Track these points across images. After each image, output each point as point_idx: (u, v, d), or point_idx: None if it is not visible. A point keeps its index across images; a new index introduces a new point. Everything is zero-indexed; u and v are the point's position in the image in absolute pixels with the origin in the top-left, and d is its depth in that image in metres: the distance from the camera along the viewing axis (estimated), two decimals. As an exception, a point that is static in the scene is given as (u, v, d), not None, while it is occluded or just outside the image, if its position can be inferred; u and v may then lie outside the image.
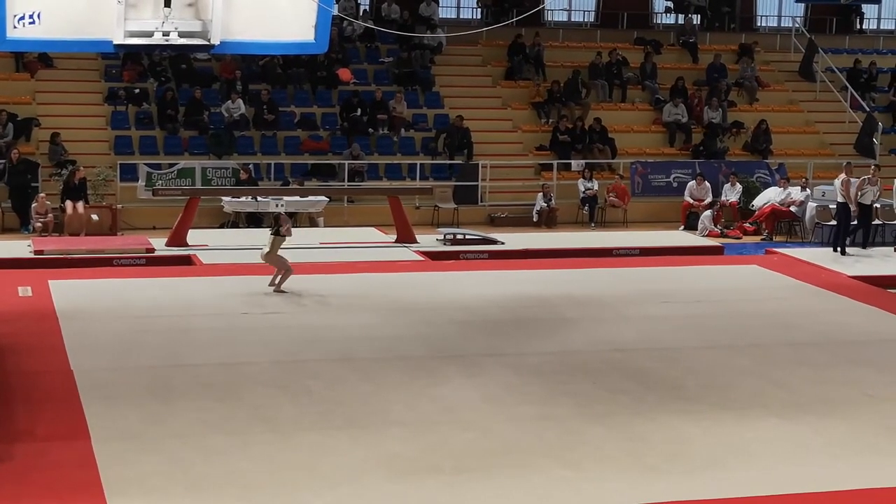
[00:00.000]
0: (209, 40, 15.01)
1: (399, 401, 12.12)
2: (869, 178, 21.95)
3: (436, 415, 11.73)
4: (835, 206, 24.93)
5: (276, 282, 17.23)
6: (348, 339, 14.60)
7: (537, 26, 31.99)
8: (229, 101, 27.20)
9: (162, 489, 9.51)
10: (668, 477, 10.14)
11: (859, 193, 21.69)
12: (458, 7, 34.03)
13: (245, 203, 24.04)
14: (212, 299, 16.74)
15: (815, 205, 25.24)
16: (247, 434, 10.92)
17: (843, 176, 21.74)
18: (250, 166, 25.44)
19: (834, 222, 24.78)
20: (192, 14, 14.89)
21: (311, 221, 24.64)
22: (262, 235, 22.12)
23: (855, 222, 22.15)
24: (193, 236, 21.01)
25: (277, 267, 17.32)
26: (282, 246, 17.30)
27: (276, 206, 24.04)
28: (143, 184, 24.83)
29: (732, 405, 12.23)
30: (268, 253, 17.24)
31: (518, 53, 30.62)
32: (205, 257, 19.92)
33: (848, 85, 31.74)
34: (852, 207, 21.71)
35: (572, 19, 34.92)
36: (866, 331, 15.90)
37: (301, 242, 21.28)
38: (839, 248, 21.63)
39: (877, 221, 23.44)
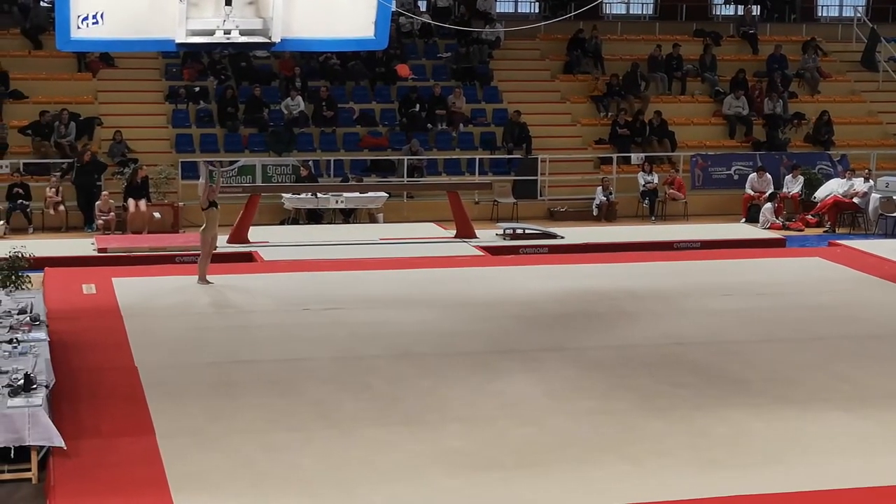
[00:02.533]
0: (270, 38, 15.05)
1: (458, 396, 12.15)
2: None
3: (495, 410, 11.74)
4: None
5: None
6: (407, 335, 14.65)
7: (595, 20, 31.84)
8: (288, 99, 27.31)
9: (225, 485, 9.61)
10: (728, 471, 10.10)
11: None
12: (516, 1, 33.96)
13: (305, 200, 24.16)
14: (272, 296, 16.85)
15: (879, 196, 24.97)
16: (307, 430, 11.00)
17: None
18: (310, 163, 25.54)
19: (897, 213, 24.61)
20: (253, 12, 14.94)
21: (371, 217, 24.72)
22: (322, 232, 22.36)
23: None
24: (254, 233, 21.16)
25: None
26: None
27: (336, 202, 24.18)
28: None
29: (794, 399, 12.15)
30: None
31: (576, 47, 30.52)
32: (266, 254, 20.06)
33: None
34: None
35: (631, 12, 34.72)
36: (931, 323, 15.73)
37: (361, 238, 21.42)
38: None
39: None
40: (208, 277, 17.55)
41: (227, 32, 14.94)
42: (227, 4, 14.81)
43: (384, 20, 15.33)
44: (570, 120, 29.21)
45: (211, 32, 14.99)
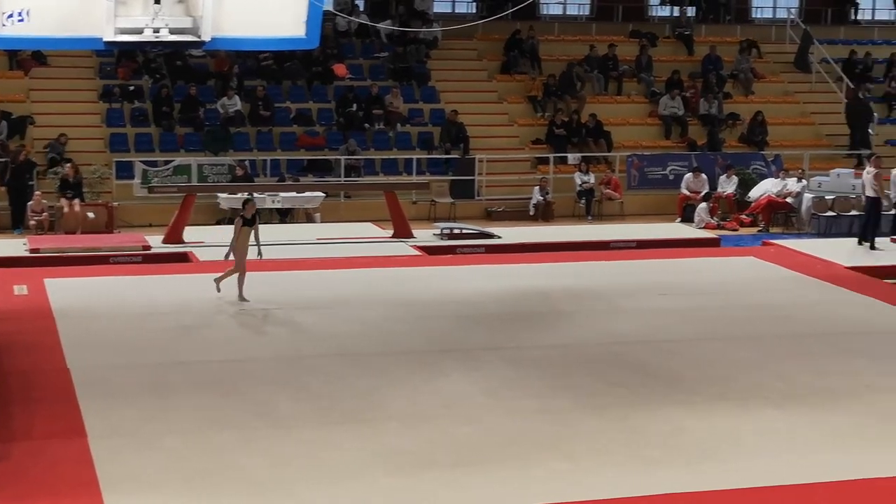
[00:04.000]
0: (200, 37, 14.94)
1: (398, 395, 12.13)
2: None
3: (435, 409, 11.73)
4: (832, 198, 25.04)
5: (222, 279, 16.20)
6: (346, 335, 14.60)
7: (532, 20, 31.98)
8: (225, 98, 27.17)
9: (159, 485, 9.51)
10: (665, 468, 10.15)
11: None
12: (454, 1, 34.01)
13: (241, 200, 23.98)
14: (209, 296, 16.70)
15: (812, 196, 25.26)
16: (246, 430, 10.92)
17: (871, 168, 21.51)
18: (246, 163, 25.42)
19: (831, 213, 24.88)
20: (182, 11, 14.83)
21: (308, 217, 24.63)
22: (259, 232, 22.19)
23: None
24: (190, 233, 20.99)
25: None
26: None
27: (273, 202, 24.06)
28: (139, 181, 24.81)
29: (731, 397, 12.24)
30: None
31: (513, 47, 30.60)
32: (201, 254, 19.89)
33: (843, 76, 31.73)
34: (885, 202, 21.46)
35: (567, 13, 34.90)
36: (863, 321, 15.90)
37: (298, 238, 21.31)
38: (868, 242, 21.27)
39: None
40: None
41: (157, 31, 14.83)
42: (155, 3, 14.69)
43: (315, 19, 15.28)
44: (508, 120, 29.29)
45: (140, 31, 14.86)
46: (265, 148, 26.87)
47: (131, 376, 12.66)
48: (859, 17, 36.53)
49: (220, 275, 16.14)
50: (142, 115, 27.00)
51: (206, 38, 14.93)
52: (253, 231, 16.05)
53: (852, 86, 31.25)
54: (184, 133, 26.75)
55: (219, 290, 16.10)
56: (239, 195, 23.92)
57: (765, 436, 11.08)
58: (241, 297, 15.94)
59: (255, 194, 23.72)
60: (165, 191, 23.09)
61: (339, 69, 28.75)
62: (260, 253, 16.11)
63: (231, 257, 16.05)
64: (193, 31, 14.87)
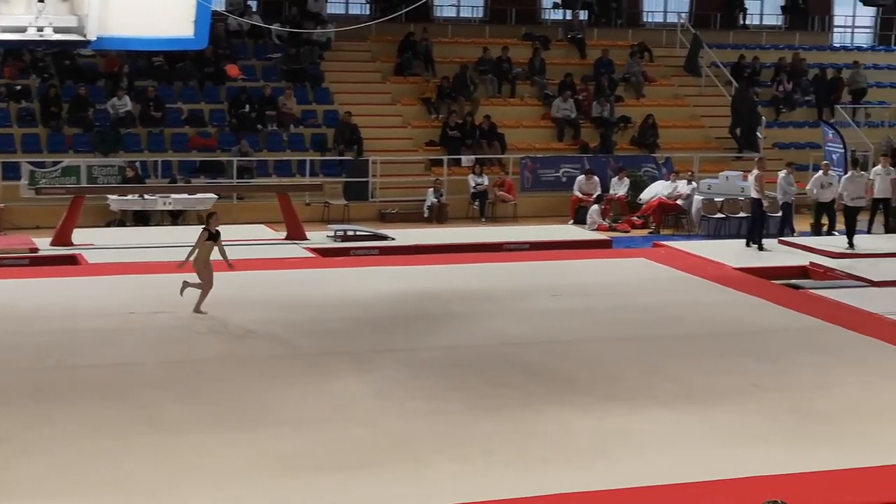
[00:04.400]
0: (85, 36, 14.71)
1: (288, 399, 12.03)
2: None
3: (326, 412, 11.66)
4: (721, 200, 25.41)
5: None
6: (237, 338, 14.48)
7: (426, 22, 32.01)
8: (115, 98, 26.81)
9: (43, 492, 9.33)
10: (556, 469, 10.19)
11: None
12: (347, 2, 33.92)
13: (132, 201, 23.73)
14: (98, 299, 16.46)
15: (701, 198, 25.60)
16: (132, 436, 10.75)
17: (756, 171, 21.84)
18: (137, 164, 25.10)
19: (720, 215, 25.24)
20: (67, 9, 14.59)
21: (200, 219, 24.33)
22: (149, 234, 21.96)
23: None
24: (79, 235, 20.65)
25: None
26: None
27: (164, 204, 23.78)
28: (27, 182, 24.37)
29: (621, 397, 12.33)
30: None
31: (407, 49, 30.60)
32: (91, 256, 19.59)
33: (732, 80, 32.21)
34: (766, 202, 21.81)
35: (461, 15, 35.00)
36: (751, 321, 16.13)
37: (189, 240, 21.04)
38: (756, 244, 21.59)
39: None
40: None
41: (41, 30, 14.56)
42: (39, 1, 14.43)
43: (204, 19, 15.13)
44: (401, 122, 29.28)
45: (23, 29, 14.59)
46: (156, 149, 26.55)
47: (16, 381, 12.40)
48: (748, 22, 37.13)
49: (197, 299, 15.60)
50: (29, 115, 26.52)
51: (91, 37, 14.70)
52: (217, 246, 15.74)
53: (736, 84, 31.75)
54: (73, 134, 26.33)
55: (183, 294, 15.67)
56: (129, 197, 23.69)
57: (655, 435, 11.18)
58: (198, 310, 15.48)
59: (147, 196, 23.57)
60: (53, 192, 22.69)
61: (232, 70, 28.52)
62: (229, 264, 15.80)
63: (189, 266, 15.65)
64: (79, 30, 14.63)
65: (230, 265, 15.84)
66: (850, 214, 22.04)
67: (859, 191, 22.38)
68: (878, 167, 23.53)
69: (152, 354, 13.66)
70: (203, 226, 15.90)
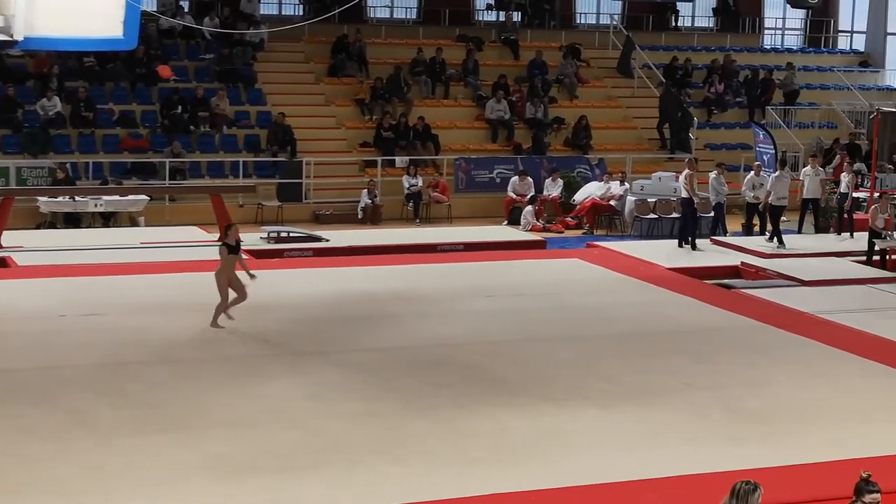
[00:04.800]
0: (12, 36, 14.51)
1: (221, 401, 11.98)
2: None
3: (259, 414, 11.62)
4: (654, 200, 25.59)
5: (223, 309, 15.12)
6: (170, 341, 14.37)
7: (359, 23, 31.95)
8: (44, 99, 26.50)
9: (-26, 499, 9.22)
10: (491, 468, 10.23)
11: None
12: (280, 3, 33.79)
13: (62, 203, 23.47)
14: (28, 302, 16.28)
15: (634, 198, 25.75)
16: (64, 440, 10.66)
17: (686, 171, 21.99)
18: (67, 165, 24.82)
19: (653, 215, 25.42)
20: (-7, 9, 14.42)
21: (132, 221, 24.17)
22: (80, 236, 21.74)
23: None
24: (8, 238, 20.41)
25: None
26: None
27: (96, 205, 23.56)
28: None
29: (555, 396, 12.39)
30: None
31: (340, 50, 30.51)
32: (20, 259, 19.35)
33: (664, 81, 32.43)
34: (696, 199, 21.98)
35: (394, 16, 34.97)
36: (683, 321, 16.27)
37: (121, 242, 20.93)
38: (689, 243, 21.76)
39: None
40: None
41: (-34, 30, 14.37)
42: None
43: (133, 20, 14.99)
44: (335, 123, 29.20)
45: None
46: (87, 150, 26.27)
47: (-56, 386, 12.25)
48: (679, 24, 37.40)
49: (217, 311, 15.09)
50: (-43, 116, 26.18)
51: (18, 37, 14.50)
52: (238, 259, 15.25)
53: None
54: (1, 135, 25.99)
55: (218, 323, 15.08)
56: (60, 198, 23.44)
57: (588, 434, 11.26)
58: (215, 324, 15.01)
59: (77, 198, 23.34)
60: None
61: (164, 70, 28.26)
62: (250, 274, 15.39)
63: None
64: (5, 30, 14.43)
65: (251, 276, 15.37)
66: (775, 214, 22.29)
67: (785, 190, 22.63)
68: (808, 168, 23.79)
69: (84, 358, 13.54)
70: (222, 241, 15.33)
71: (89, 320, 15.33)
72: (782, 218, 22.60)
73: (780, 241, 21.75)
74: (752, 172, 23.68)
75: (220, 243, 15.13)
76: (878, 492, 7.47)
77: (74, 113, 26.61)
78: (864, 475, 7.54)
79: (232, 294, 15.08)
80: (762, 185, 23.00)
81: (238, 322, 15.32)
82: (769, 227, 22.50)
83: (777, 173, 22.84)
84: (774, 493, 9.88)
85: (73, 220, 23.82)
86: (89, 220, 24.10)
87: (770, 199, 22.34)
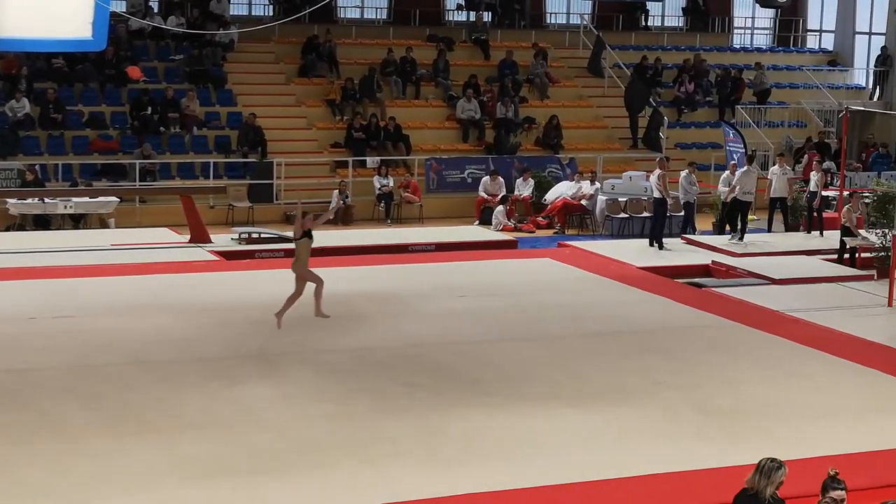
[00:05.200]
0: (-20, 37, 14.50)
1: (194, 403, 11.95)
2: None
3: (232, 416, 11.59)
4: (625, 200, 25.67)
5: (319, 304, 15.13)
6: (141, 342, 14.31)
7: (329, 23, 31.91)
8: (13, 101, 26.35)
9: (-56, 503, 9.18)
10: (463, 469, 10.24)
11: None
12: (250, 3, 33.71)
13: (32, 205, 23.35)
14: (-3, 304, 16.20)
15: (605, 198, 25.82)
16: (35, 442, 10.61)
17: (658, 171, 22.04)
18: (37, 167, 24.69)
19: (624, 215, 25.49)
20: (-40, 10, 14.35)
21: (102, 223, 24.07)
22: (50, 238, 21.64)
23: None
24: (-23, 240, 20.32)
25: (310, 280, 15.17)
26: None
27: (65, 207, 23.45)
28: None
29: (527, 396, 12.41)
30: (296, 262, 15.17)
31: (311, 51, 30.46)
32: (-11, 261, 19.25)
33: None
34: (670, 201, 22.07)
35: (365, 16, 34.94)
36: (655, 320, 16.31)
37: (92, 244, 20.83)
38: (657, 243, 21.85)
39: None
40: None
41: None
42: None
43: (102, 21, 14.94)
44: (306, 123, 29.15)
45: None
46: (57, 152, 26.16)
47: (-87, 390, 12.17)
48: (649, 23, 37.50)
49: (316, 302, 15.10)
50: (-76, 117, 26.02)
51: (-15, 37, 14.46)
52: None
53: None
54: (-30, 137, 25.86)
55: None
56: (29, 200, 23.31)
57: (560, 434, 11.28)
58: (321, 313, 15.13)
59: (47, 199, 23.22)
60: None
61: (133, 71, 28.15)
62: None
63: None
64: (-27, 31, 14.39)
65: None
66: (742, 208, 22.41)
67: (751, 186, 22.74)
68: (776, 167, 23.89)
69: (54, 360, 13.47)
70: (299, 234, 15.13)
71: (60, 322, 15.25)
72: (751, 216, 22.69)
73: (740, 235, 21.94)
74: (728, 171, 23.77)
75: (300, 237, 15.05)
76: (843, 489, 7.55)
77: (43, 114, 26.48)
78: (831, 472, 7.62)
79: (309, 287, 15.01)
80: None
81: (209, 324, 15.29)
82: (733, 221, 22.58)
83: (745, 168, 22.90)
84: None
85: (42, 223, 23.70)
86: (59, 222, 23.99)
87: (736, 193, 22.43)
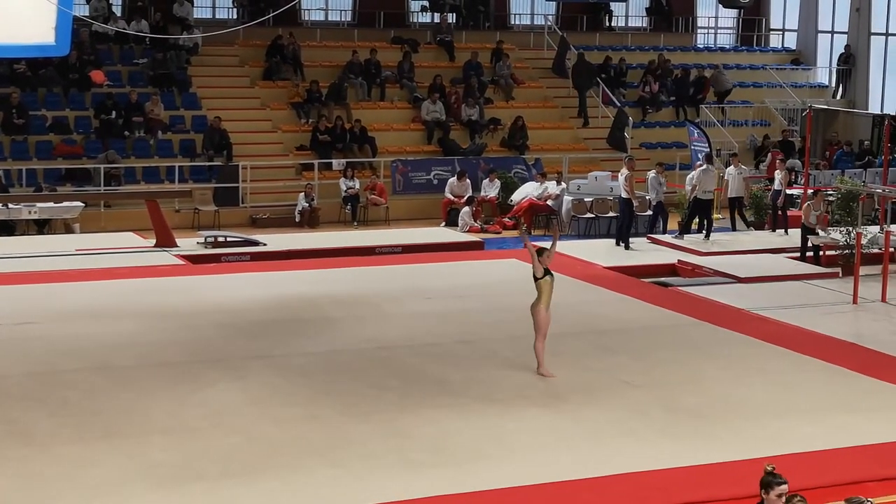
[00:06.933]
0: (-58, 43, 14.41)
1: (161, 408, 11.90)
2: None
3: (199, 420, 11.56)
4: (591, 200, 25.73)
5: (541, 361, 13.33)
6: (107, 348, 14.24)
7: (294, 26, 31.84)
8: (-24, 106, 26.22)
9: None
10: (432, 471, 10.25)
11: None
12: (214, 7, 33.60)
13: (-2, 211, 23.24)
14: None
15: (571, 198, 25.87)
16: (1, 449, 10.53)
17: (625, 171, 22.10)
18: (0, 172, 24.55)
19: (590, 215, 25.55)
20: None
21: (67, 228, 23.94)
22: (14, 244, 21.51)
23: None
24: (-60, 246, 20.18)
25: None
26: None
27: (30, 212, 23.32)
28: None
29: (495, 397, 12.43)
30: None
31: (275, 53, 30.41)
32: (-47, 268, 19.13)
33: (599, 81, 32.59)
34: (636, 202, 22.15)
35: (329, 19, 34.89)
36: (621, 319, 16.37)
37: (56, 250, 20.72)
38: (623, 243, 21.94)
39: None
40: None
41: None
42: None
43: (65, 26, 14.87)
44: (271, 126, 29.09)
45: None
46: (20, 157, 26.00)
47: None
48: (613, 24, 37.61)
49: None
50: None
51: (-51, 44, 14.37)
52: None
53: (608, 91, 32.20)
54: (-68, 142, 25.71)
55: None
56: (-8, 206, 23.17)
57: (528, 434, 11.30)
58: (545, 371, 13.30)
59: (11, 205, 23.08)
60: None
61: (97, 76, 28.07)
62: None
63: None
64: (-65, 36, 14.30)
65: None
66: (703, 207, 22.54)
67: (711, 184, 22.86)
68: (731, 168, 24.02)
69: (19, 367, 13.39)
70: (540, 274, 13.50)
71: (24, 329, 15.16)
72: (717, 216, 22.78)
73: (706, 234, 22.11)
74: (694, 171, 23.85)
75: (541, 276, 13.40)
76: (785, 483, 7.54)
77: (6, 119, 26.31)
78: (768, 468, 7.62)
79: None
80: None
81: (176, 328, 15.24)
82: (692, 220, 22.73)
83: (704, 167, 22.96)
84: (715, 490, 10.01)
85: (6, 228, 23.55)
86: (23, 227, 23.85)
87: (696, 192, 22.55)
